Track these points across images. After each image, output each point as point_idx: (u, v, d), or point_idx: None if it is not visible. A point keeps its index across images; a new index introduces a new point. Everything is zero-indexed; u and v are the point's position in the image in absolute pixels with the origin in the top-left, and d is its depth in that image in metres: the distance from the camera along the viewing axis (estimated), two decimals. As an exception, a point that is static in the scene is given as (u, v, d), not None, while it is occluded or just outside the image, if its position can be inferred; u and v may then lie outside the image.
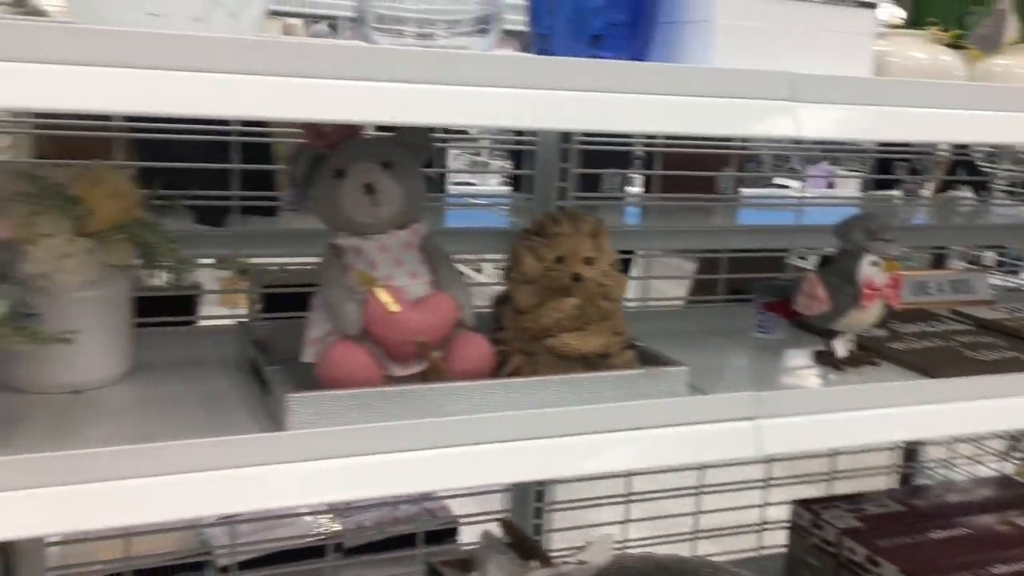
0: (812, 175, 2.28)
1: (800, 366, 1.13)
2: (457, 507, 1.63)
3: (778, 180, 3.32)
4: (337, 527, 1.57)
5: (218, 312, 2.06)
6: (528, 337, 0.91)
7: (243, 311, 1.73)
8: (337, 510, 1.61)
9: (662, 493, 1.57)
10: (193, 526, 1.48)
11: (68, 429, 0.82)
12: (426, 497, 1.60)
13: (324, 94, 0.72)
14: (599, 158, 1.48)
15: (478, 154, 3.29)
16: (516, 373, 0.91)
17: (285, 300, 1.30)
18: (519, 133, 1.47)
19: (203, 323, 1.57)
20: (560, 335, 0.89)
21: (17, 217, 0.81)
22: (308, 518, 1.61)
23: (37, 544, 1.03)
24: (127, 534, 1.28)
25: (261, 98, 0.70)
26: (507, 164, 2.43)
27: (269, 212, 1.27)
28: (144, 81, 0.66)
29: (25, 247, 0.79)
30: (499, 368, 0.91)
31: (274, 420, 0.84)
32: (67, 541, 1.25)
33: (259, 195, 1.23)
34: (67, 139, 1.36)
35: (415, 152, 0.91)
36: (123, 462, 0.73)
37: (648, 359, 0.95)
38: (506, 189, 2.02)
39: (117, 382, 0.92)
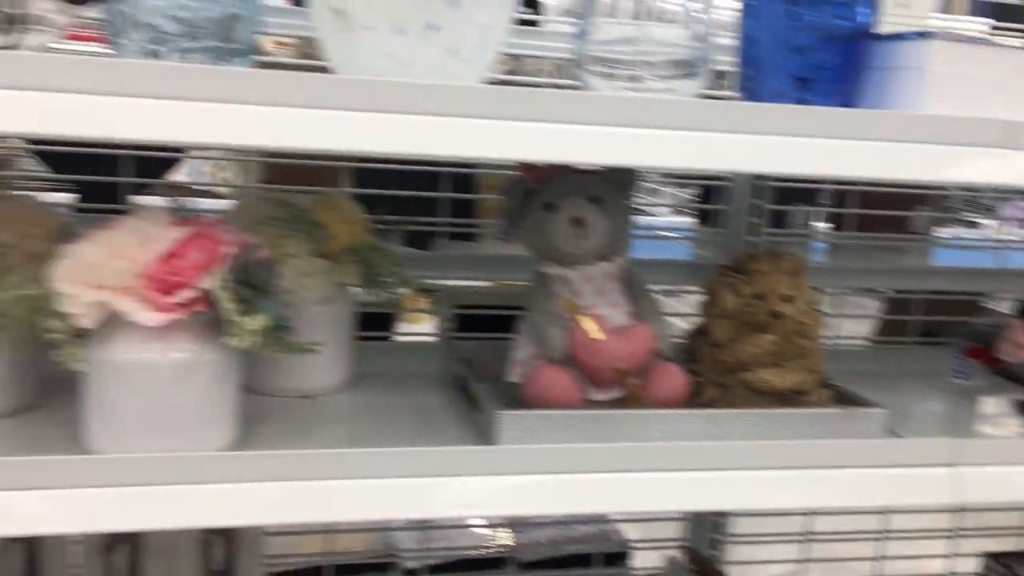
0: (1007, 217, 2.19)
1: (999, 414, 1.11)
2: (628, 531, 1.66)
3: (969, 217, 3.18)
4: (512, 541, 1.63)
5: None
6: (723, 370, 0.94)
7: (418, 328, 1.84)
8: (513, 524, 1.67)
9: (843, 535, 1.54)
10: (382, 528, 1.58)
11: (302, 430, 0.91)
12: (601, 519, 1.64)
13: (541, 137, 0.78)
14: (787, 194, 1.48)
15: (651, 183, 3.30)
16: (710, 404, 0.94)
17: (476, 320, 1.38)
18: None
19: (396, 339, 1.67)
20: (756, 370, 0.92)
21: (269, 239, 0.91)
22: (485, 530, 1.68)
23: (257, 532, 1.13)
24: (329, 531, 1.38)
25: (491, 140, 0.77)
26: (678, 193, 2.45)
27: (470, 238, 1.35)
28: (392, 125, 0.74)
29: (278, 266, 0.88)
30: (693, 398, 0.95)
31: (482, 434, 0.90)
32: (276, 532, 1.36)
33: (463, 222, 1.31)
34: (288, 167, 1.49)
35: (622, 189, 0.96)
36: (350, 462, 0.81)
37: (844, 399, 0.96)
38: (681, 220, 2.03)
39: (341, 390, 1.01)
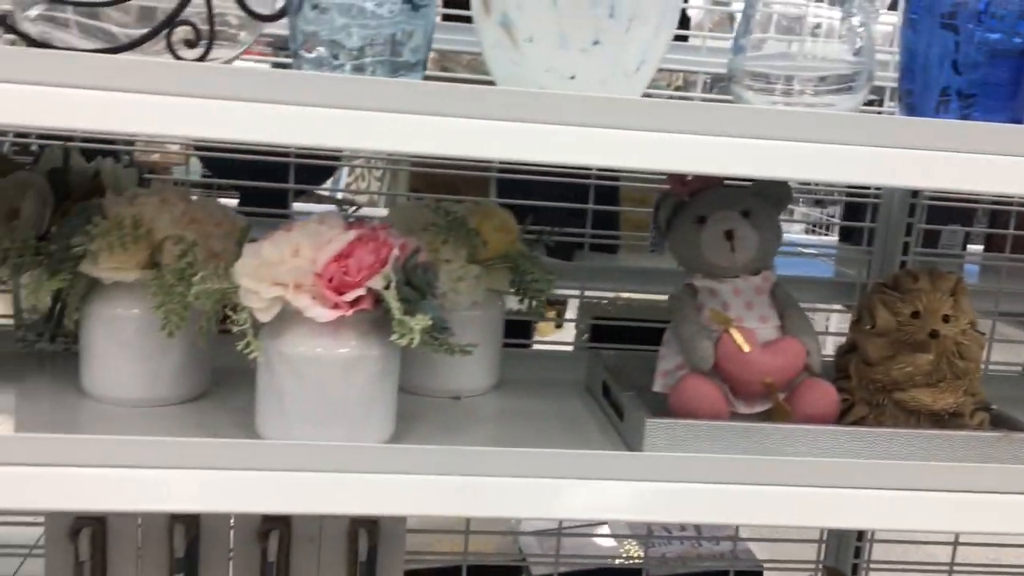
0: None
1: None
2: (759, 551, 1.64)
3: None
4: (640, 554, 1.64)
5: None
6: (875, 388, 0.93)
7: (551, 337, 1.87)
8: (640, 537, 1.67)
9: (989, 568, 1.48)
10: (512, 532, 1.60)
11: (452, 429, 0.94)
12: (733, 537, 1.63)
13: (696, 150, 0.79)
14: (941, 213, 1.44)
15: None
16: (859, 423, 0.93)
17: (610, 330, 1.40)
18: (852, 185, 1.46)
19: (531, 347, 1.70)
20: (911, 390, 0.90)
21: (426, 244, 0.95)
22: (611, 542, 1.68)
23: (400, 527, 1.18)
24: (463, 532, 1.42)
25: (648, 152, 0.79)
26: (807, 211, 2.41)
27: (611, 250, 1.37)
28: (552, 136, 0.77)
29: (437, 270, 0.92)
30: (842, 416, 0.94)
31: (626, 441, 0.92)
32: (414, 530, 1.41)
33: (606, 233, 1.33)
34: (433, 175, 1.55)
35: (774, 202, 0.96)
36: (502, 461, 0.84)
37: (1002, 423, 0.93)
38: (815, 237, 2.00)
39: (487, 393, 1.04)
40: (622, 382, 0.99)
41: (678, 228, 0.96)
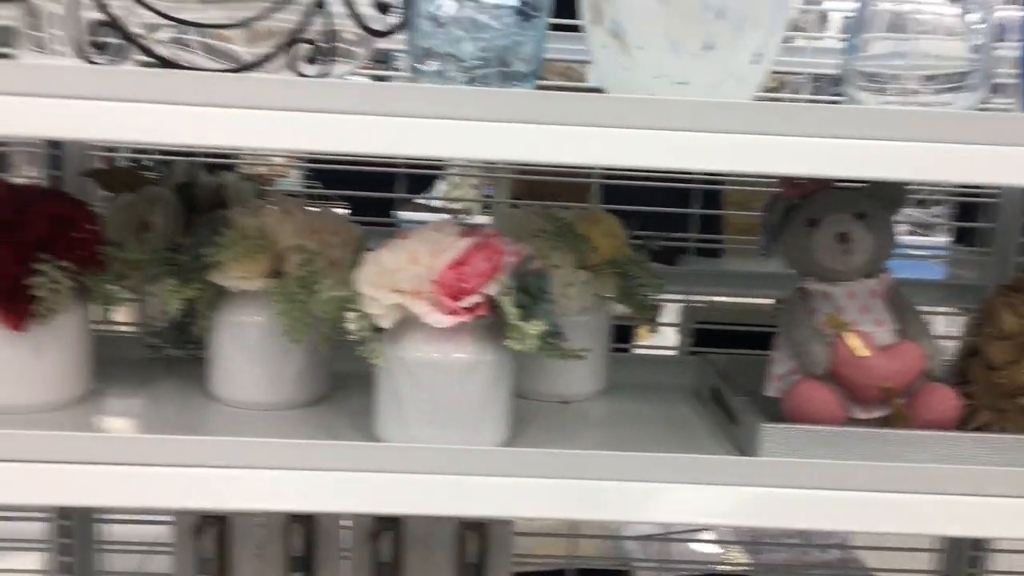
0: None
1: None
2: (869, 559, 1.60)
3: None
4: (746, 560, 1.62)
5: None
6: (999, 394, 0.90)
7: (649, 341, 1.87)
8: (745, 543, 1.65)
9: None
10: (616, 537, 1.61)
11: (564, 433, 0.95)
12: (842, 545, 1.60)
13: (806, 152, 0.78)
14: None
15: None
16: (983, 428, 0.90)
17: (713, 335, 1.39)
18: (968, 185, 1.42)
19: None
20: (1037, 394, 0.88)
21: (536, 250, 0.96)
22: (715, 547, 1.67)
23: (508, 530, 1.19)
24: (569, 535, 1.43)
25: (759, 156, 0.79)
26: (913, 212, 2.34)
27: (715, 254, 1.36)
28: (662, 141, 0.78)
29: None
30: (964, 422, 0.91)
31: (740, 446, 0.91)
32: (522, 533, 1.42)
33: (710, 238, 1.33)
34: (534, 182, 1.56)
35: (888, 204, 0.95)
36: (616, 465, 0.84)
37: None
38: (924, 239, 1.94)
39: (595, 397, 1.05)
40: (732, 386, 0.99)
41: (789, 231, 0.95)
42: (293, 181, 2.33)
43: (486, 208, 1.88)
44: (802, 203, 0.95)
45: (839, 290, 0.93)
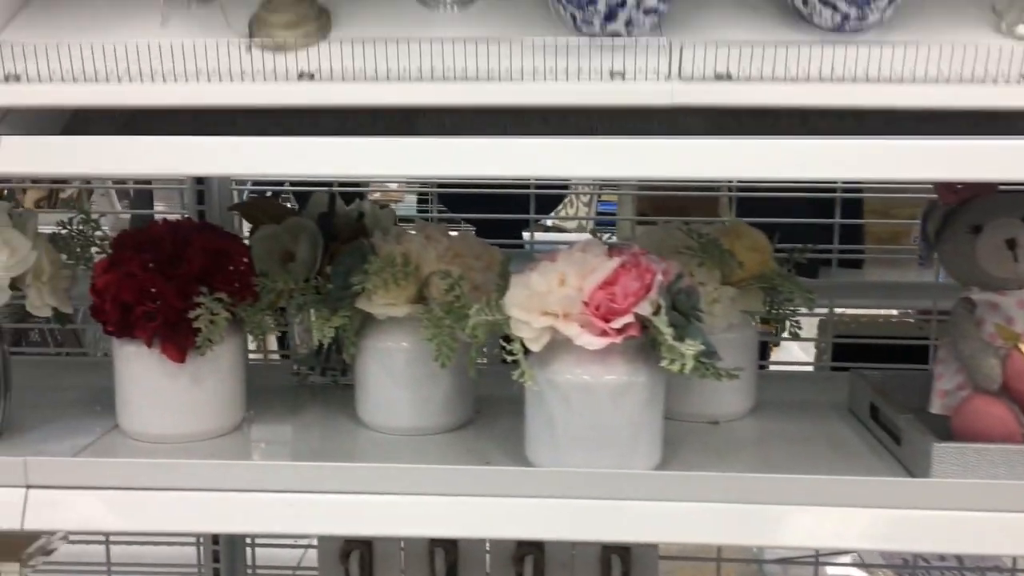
0: None
1: None
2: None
3: None
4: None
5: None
6: None
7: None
8: (896, 567, 1.58)
9: None
10: (757, 560, 1.56)
11: (718, 454, 0.93)
12: (999, 567, 1.51)
13: (973, 155, 0.75)
14: None
15: None
16: None
17: (849, 349, 1.33)
18: None
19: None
20: None
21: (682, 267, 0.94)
22: (862, 572, 1.60)
23: (652, 554, 1.16)
24: (711, 559, 1.39)
25: (917, 161, 0.75)
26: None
27: (856, 265, 1.31)
28: (816, 151, 0.75)
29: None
30: None
31: (906, 467, 0.87)
32: (663, 556, 1.39)
33: (852, 248, 1.28)
34: (663, 197, 1.54)
35: (1060, 207, 0.89)
36: (777, 488, 0.81)
37: None
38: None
39: (745, 416, 1.02)
40: (892, 404, 0.94)
41: (950, 239, 0.91)
42: (409, 205, 2.38)
43: (608, 226, 1.87)
44: (963, 209, 0.91)
45: (1008, 299, 0.88)
